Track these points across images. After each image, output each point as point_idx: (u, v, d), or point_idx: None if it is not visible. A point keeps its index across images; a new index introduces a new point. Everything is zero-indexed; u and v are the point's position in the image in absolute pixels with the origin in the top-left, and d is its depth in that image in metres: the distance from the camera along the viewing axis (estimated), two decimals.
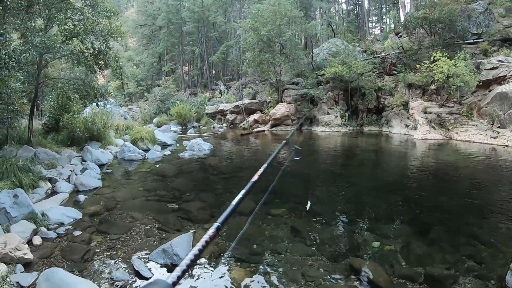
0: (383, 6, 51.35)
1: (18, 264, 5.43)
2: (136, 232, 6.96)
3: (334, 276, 5.30)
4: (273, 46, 29.18)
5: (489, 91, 20.40)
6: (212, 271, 5.47)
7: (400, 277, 5.21)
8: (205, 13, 47.31)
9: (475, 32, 26.06)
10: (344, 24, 46.90)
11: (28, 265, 5.56)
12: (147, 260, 5.72)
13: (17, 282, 4.94)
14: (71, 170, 11.93)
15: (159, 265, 5.57)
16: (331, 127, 25.74)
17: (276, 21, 28.19)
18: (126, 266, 5.55)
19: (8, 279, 4.96)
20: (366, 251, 6.03)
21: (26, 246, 5.91)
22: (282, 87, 29.64)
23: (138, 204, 8.96)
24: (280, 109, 27.22)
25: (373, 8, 52.13)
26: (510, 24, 26.12)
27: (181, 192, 9.94)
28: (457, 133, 19.57)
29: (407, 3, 42.24)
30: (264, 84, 33.71)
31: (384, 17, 52.54)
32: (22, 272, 5.33)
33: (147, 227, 7.19)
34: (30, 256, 5.68)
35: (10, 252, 5.42)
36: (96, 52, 14.96)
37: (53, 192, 9.84)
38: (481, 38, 25.27)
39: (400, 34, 32.12)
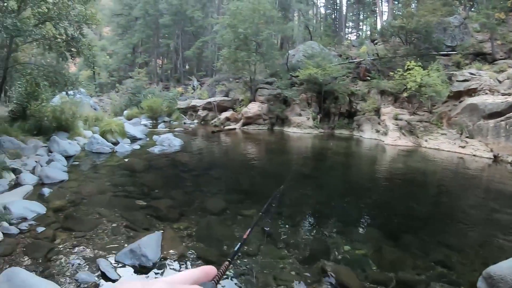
0: (361, 12, 51.99)
1: None
2: (102, 230, 6.71)
3: (306, 279, 5.25)
4: (249, 45, 28.94)
5: (460, 102, 20.96)
6: (180, 270, 5.26)
7: (372, 282, 5.20)
8: (183, 6, 46.65)
9: (450, 44, 26.78)
10: (322, 28, 47.23)
11: None
12: (113, 260, 5.49)
13: None
14: (36, 161, 11.53)
15: (127, 266, 5.34)
16: (302, 129, 25.83)
17: (254, 20, 28.03)
18: (92, 266, 5.29)
19: None
20: (338, 255, 6.01)
21: None
22: (256, 86, 29.52)
23: (105, 200, 8.69)
24: (253, 108, 27.12)
25: (351, 14, 52.65)
26: (484, 39, 26.96)
27: (150, 189, 9.77)
28: (426, 140, 19.97)
29: (384, 11, 42.71)
30: (237, 82, 33.56)
31: (361, 23, 53.20)
32: None
33: (114, 225, 6.95)
34: None
35: None
36: (69, 38, 14.61)
37: (17, 184, 9.46)
38: (455, 51, 25.96)
39: (376, 41, 32.63)
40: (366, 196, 9.98)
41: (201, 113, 32.10)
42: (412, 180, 12.55)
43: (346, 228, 7.29)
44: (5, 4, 12.57)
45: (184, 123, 31.04)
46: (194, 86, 41.56)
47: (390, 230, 7.36)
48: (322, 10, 53.41)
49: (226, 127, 27.33)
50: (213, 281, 0.77)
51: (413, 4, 33.59)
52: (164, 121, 30.88)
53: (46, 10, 13.94)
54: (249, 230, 1.23)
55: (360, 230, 7.39)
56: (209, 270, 0.77)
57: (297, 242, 6.46)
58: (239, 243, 1.14)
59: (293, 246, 6.26)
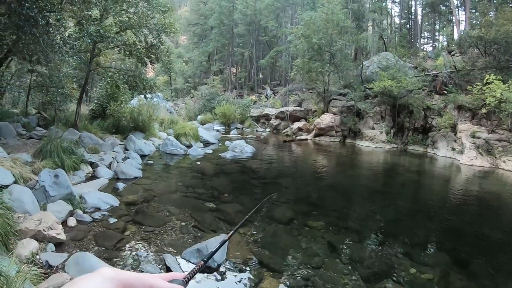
0: (436, 22, 50.09)
1: (49, 243, 5.40)
2: (171, 227, 6.89)
3: None
4: (323, 55, 28.69)
5: None
6: (243, 275, 5.36)
7: None
8: (257, 16, 47.47)
9: None
10: (396, 38, 45.90)
11: (59, 245, 5.53)
12: (179, 257, 5.61)
13: (46, 261, 4.89)
14: (113, 157, 12.16)
15: (191, 264, 5.38)
16: (375, 143, 25.07)
17: (328, 30, 27.74)
18: (158, 260, 5.46)
19: (37, 257, 4.91)
20: (402, 277, 5.72)
21: (60, 226, 5.90)
22: (329, 97, 29.12)
23: (176, 199, 8.94)
24: (325, 119, 26.77)
25: (427, 23, 50.91)
26: None
27: (220, 192, 9.90)
28: (504, 162, 18.43)
29: (461, 21, 40.86)
30: (311, 92, 33.30)
31: (437, 33, 51.27)
32: (53, 251, 5.28)
33: (183, 224, 7.12)
34: (63, 236, 5.65)
35: (44, 230, 5.40)
36: (148, 45, 15.21)
37: (93, 177, 9.98)
38: None
39: (453, 52, 31.15)
40: (436, 218, 9.42)
41: (274, 121, 32.28)
42: (487, 204, 11.66)
43: (412, 249, 6.90)
44: (89, 12, 13.30)
45: (256, 130, 31.40)
46: (267, 95, 41.94)
47: (459, 255, 6.86)
48: (397, 20, 51.65)
49: (298, 137, 27.16)
50: (183, 280, 0.79)
51: (491, 13, 31.95)
52: (236, 128, 31.46)
53: (127, 19, 14.67)
54: (231, 232, 1.19)
55: (427, 253, 7.00)
56: (177, 275, 0.81)
57: (362, 259, 6.24)
58: (219, 244, 1.07)
59: (357, 263, 6.06)
